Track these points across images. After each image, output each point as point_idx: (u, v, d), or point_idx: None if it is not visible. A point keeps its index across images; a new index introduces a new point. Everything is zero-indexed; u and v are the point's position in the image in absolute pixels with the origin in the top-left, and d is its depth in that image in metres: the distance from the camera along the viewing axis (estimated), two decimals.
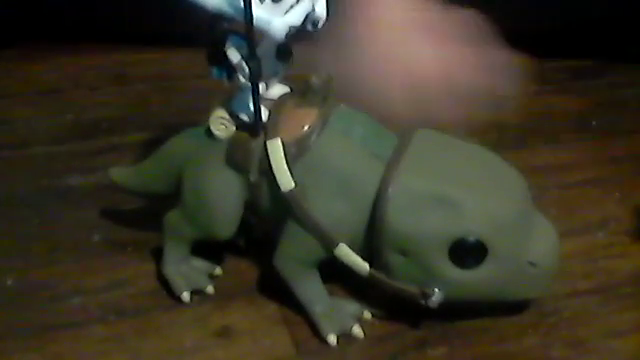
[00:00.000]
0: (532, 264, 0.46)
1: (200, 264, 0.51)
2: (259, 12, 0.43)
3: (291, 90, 0.48)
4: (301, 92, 0.47)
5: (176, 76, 0.75)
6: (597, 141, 0.67)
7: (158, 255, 0.52)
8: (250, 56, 0.44)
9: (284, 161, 0.45)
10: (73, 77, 0.76)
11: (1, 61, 0.77)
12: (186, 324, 0.49)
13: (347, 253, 0.46)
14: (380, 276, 0.46)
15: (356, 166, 0.46)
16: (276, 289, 0.49)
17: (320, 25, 0.46)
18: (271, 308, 0.50)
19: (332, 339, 0.47)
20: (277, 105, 0.47)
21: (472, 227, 0.44)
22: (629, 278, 0.52)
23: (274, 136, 0.46)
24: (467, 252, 0.45)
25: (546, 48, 0.78)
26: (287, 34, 0.44)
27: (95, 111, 0.71)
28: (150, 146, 0.65)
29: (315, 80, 0.46)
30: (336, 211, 0.46)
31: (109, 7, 0.79)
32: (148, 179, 0.52)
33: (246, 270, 0.52)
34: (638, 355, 0.47)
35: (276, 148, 0.46)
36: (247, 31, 0.43)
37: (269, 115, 0.46)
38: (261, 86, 0.46)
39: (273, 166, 0.46)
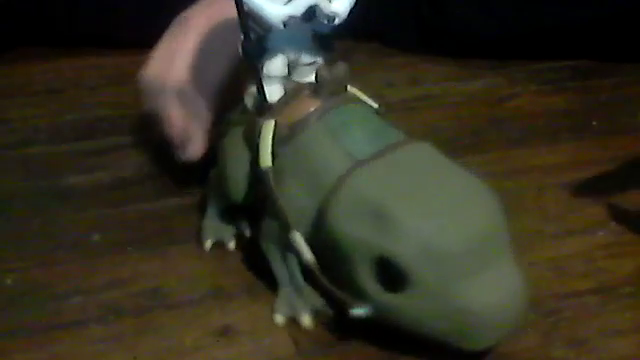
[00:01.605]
0: (469, 311, 0.42)
1: (231, 222, 0.54)
2: None
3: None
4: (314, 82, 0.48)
5: None
6: (597, 141, 0.67)
7: (158, 255, 0.52)
8: (244, 38, 0.46)
9: (270, 141, 0.47)
10: (73, 77, 0.76)
11: (1, 61, 0.77)
12: (186, 323, 0.49)
13: (299, 242, 0.46)
14: (319, 274, 0.46)
15: (326, 162, 0.46)
16: (276, 288, 0.49)
17: (336, 21, 0.47)
18: (271, 307, 0.49)
19: (278, 319, 0.48)
20: (293, 90, 0.48)
21: (398, 249, 0.42)
22: (629, 278, 0.52)
23: (273, 117, 0.48)
24: (388, 274, 0.43)
25: (546, 48, 0.78)
26: (285, 23, 0.46)
27: (95, 111, 0.71)
28: (150, 146, 0.65)
29: (323, 73, 0.47)
30: (299, 200, 0.46)
31: (109, 9, 0.79)
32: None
33: (246, 269, 0.52)
34: (638, 355, 0.47)
35: (268, 128, 0.48)
36: (238, 14, 0.45)
37: (281, 98, 0.48)
38: (284, 69, 0.48)
39: (260, 144, 0.48)
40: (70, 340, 0.47)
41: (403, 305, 0.43)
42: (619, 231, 0.56)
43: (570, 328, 0.48)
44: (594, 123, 0.69)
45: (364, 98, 0.50)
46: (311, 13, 0.47)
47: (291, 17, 0.46)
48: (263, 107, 0.49)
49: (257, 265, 0.52)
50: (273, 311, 0.48)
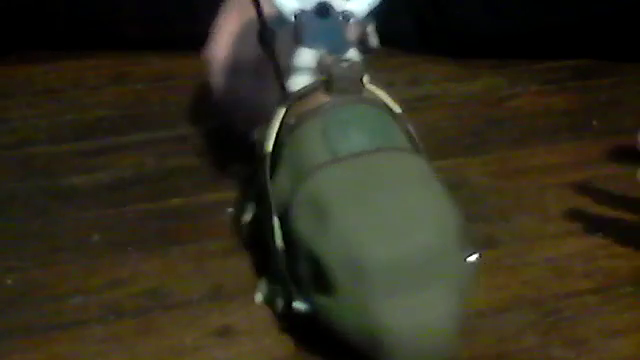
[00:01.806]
0: (387, 330, 0.41)
1: None
2: None
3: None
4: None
5: (176, 76, 0.75)
6: (597, 141, 0.67)
7: (158, 255, 0.52)
8: (260, 26, 0.47)
9: (275, 128, 0.48)
10: (73, 77, 0.76)
11: (1, 62, 0.77)
12: (186, 324, 0.49)
13: (275, 227, 0.46)
14: (280, 262, 0.46)
15: (309, 156, 0.46)
16: None
17: (353, 20, 0.48)
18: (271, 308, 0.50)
19: (256, 297, 0.49)
20: (314, 83, 0.49)
21: (326, 251, 0.42)
22: (629, 278, 0.52)
23: (287, 105, 0.49)
24: (317, 274, 0.43)
25: (546, 48, 0.78)
26: (296, 15, 0.47)
27: (95, 111, 0.71)
28: (151, 146, 0.65)
29: (333, 69, 0.47)
30: (283, 189, 0.47)
31: (109, 9, 0.79)
32: None
33: (246, 270, 0.52)
34: (638, 355, 0.47)
35: (278, 114, 0.49)
36: (254, 3, 0.46)
37: (300, 89, 0.49)
38: (313, 62, 0.49)
39: (268, 130, 0.49)
40: (70, 340, 0.47)
41: (330, 309, 0.43)
42: (619, 231, 0.56)
43: (570, 328, 0.48)
44: (594, 123, 0.69)
45: (386, 100, 0.50)
46: (324, 9, 0.47)
47: (302, 11, 0.47)
48: (281, 95, 0.49)
49: (257, 265, 0.52)
50: (256, 289, 0.49)
